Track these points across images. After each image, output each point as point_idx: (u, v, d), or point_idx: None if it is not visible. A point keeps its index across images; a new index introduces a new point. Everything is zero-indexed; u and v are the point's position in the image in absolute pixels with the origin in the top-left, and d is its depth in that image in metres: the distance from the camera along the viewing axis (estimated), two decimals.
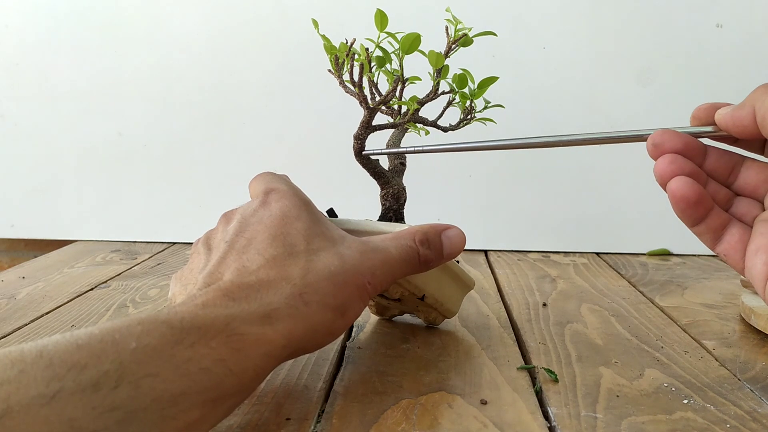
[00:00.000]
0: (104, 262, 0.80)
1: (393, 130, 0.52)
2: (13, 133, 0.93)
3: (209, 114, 0.90)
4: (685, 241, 0.86)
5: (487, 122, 0.51)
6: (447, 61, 0.48)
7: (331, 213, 0.50)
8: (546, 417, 0.38)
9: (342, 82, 0.48)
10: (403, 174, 0.52)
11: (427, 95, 0.49)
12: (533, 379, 0.43)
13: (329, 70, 0.48)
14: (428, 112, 0.50)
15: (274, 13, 0.88)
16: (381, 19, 0.45)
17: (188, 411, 0.28)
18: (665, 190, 0.35)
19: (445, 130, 0.51)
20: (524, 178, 0.88)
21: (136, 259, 0.82)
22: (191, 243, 0.92)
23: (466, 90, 0.49)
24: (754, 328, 0.54)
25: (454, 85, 0.49)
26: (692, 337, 0.53)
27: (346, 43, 0.47)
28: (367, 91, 0.48)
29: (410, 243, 0.41)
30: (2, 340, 0.51)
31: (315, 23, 0.47)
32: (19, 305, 0.61)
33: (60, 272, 0.74)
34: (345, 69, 0.47)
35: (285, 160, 0.89)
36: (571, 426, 0.36)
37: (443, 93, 0.49)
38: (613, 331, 0.54)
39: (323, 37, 0.46)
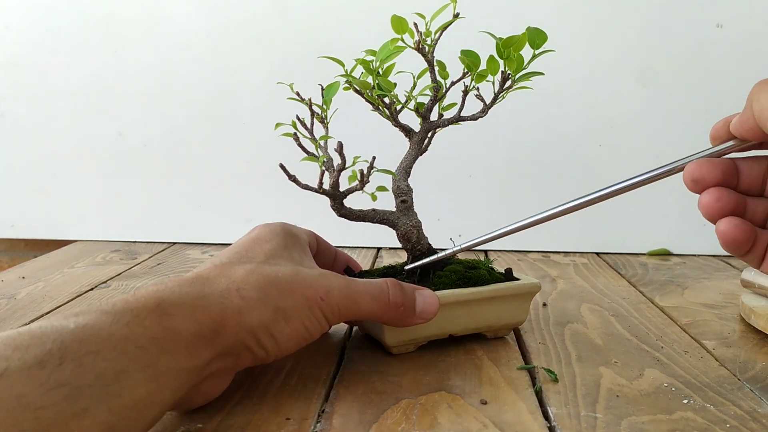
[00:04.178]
0: (104, 262, 0.80)
1: (406, 151, 0.49)
2: (13, 133, 0.93)
3: (209, 114, 0.90)
4: (685, 241, 0.86)
5: (521, 91, 0.48)
6: (445, 60, 0.47)
7: (349, 271, 0.51)
8: (546, 417, 0.38)
9: (300, 144, 0.47)
10: (410, 210, 0.49)
11: (432, 99, 0.48)
12: (533, 379, 0.43)
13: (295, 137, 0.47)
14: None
15: (274, 13, 0.88)
16: (399, 23, 0.44)
17: (132, 388, 0.29)
18: (712, 222, 0.35)
19: (475, 118, 0.49)
20: (524, 178, 0.88)
21: (136, 259, 0.82)
22: (191, 243, 0.93)
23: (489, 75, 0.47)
24: (754, 328, 0.54)
25: (469, 66, 0.46)
26: (692, 337, 0.53)
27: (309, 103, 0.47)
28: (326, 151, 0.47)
29: (381, 283, 0.42)
30: None
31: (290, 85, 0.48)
32: (20, 305, 0.61)
33: (60, 272, 0.74)
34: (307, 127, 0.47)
35: (285, 160, 0.89)
36: (571, 426, 0.36)
37: (453, 84, 0.48)
38: (613, 331, 0.54)
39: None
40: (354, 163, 0.44)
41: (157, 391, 0.31)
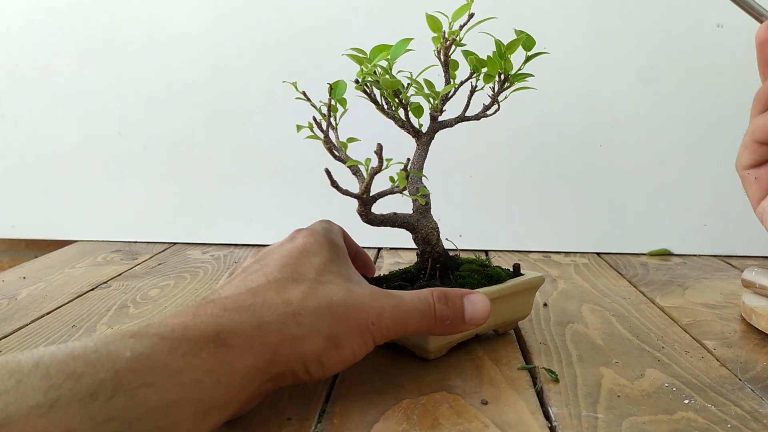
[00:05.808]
0: (105, 263, 0.80)
1: (414, 151, 0.49)
2: (13, 133, 0.93)
3: (209, 114, 0.90)
4: (686, 241, 0.86)
5: (519, 91, 0.48)
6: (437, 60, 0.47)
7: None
8: (547, 417, 0.38)
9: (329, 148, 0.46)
10: (428, 212, 0.49)
11: (443, 99, 0.47)
12: (534, 379, 0.43)
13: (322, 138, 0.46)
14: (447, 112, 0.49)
15: (274, 13, 0.88)
16: (434, 22, 0.44)
17: (180, 423, 0.29)
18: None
19: (478, 118, 0.49)
20: (524, 178, 0.88)
21: (136, 259, 0.82)
22: (191, 243, 0.93)
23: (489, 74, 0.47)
24: (755, 328, 0.54)
25: (475, 66, 0.46)
26: (693, 337, 0.53)
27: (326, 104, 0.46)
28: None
29: (427, 297, 0.41)
30: (3, 340, 0.51)
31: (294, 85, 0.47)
32: (20, 305, 0.61)
33: (61, 272, 0.74)
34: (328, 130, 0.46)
35: (285, 160, 0.89)
36: (572, 426, 0.36)
37: (461, 84, 0.47)
38: (614, 331, 0.54)
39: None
40: (388, 166, 0.43)
41: (202, 423, 0.30)
